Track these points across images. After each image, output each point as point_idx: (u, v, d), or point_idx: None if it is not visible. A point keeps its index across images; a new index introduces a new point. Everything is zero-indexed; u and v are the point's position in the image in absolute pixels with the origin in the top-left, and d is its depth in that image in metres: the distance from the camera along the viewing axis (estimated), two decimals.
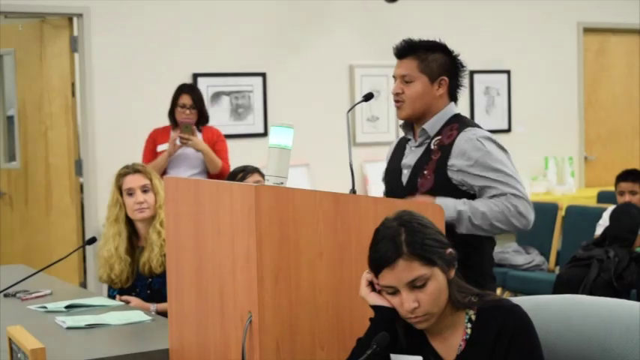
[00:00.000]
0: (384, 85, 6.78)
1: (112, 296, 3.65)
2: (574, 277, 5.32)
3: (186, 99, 5.43)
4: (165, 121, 5.48)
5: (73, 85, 6.23)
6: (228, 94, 6.56)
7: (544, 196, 7.30)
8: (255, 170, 3.60)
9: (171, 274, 2.59)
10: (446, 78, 2.91)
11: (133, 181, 3.64)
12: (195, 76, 6.40)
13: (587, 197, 7.33)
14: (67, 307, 3.31)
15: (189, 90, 5.49)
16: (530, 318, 1.97)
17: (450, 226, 2.64)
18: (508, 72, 7.61)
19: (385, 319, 1.97)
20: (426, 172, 2.86)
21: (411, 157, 2.95)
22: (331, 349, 2.13)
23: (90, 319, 3.05)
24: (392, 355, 1.98)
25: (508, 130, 7.61)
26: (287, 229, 2.08)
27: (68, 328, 2.97)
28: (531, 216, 2.81)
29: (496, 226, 2.75)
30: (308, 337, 2.10)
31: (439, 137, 2.89)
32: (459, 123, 2.90)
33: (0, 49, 6.73)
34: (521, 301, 2.15)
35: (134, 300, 3.53)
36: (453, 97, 2.96)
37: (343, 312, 2.15)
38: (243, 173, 3.59)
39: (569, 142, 7.96)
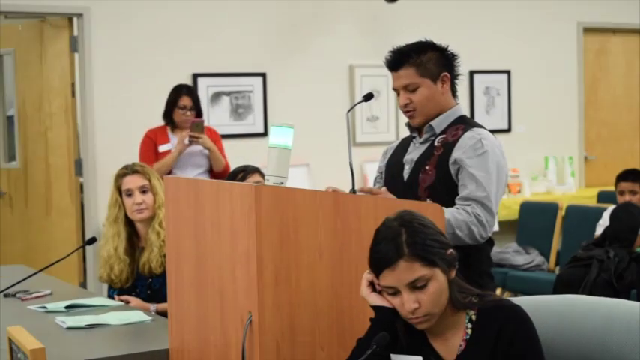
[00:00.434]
0: (384, 85, 6.78)
1: (111, 296, 3.65)
2: (574, 277, 5.32)
3: (186, 100, 5.43)
4: None
5: (73, 85, 6.23)
6: (228, 94, 6.56)
7: (544, 196, 7.30)
8: (255, 170, 3.60)
9: (171, 274, 2.59)
10: (446, 73, 2.92)
11: (132, 181, 3.64)
12: (195, 76, 6.40)
13: (587, 197, 7.33)
14: (67, 307, 3.31)
15: (188, 91, 5.50)
16: (530, 318, 1.97)
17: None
18: (508, 72, 7.61)
19: (386, 319, 1.97)
20: (427, 167, 2.86)
21: (414, 153, 2.96)
22: (331, 349, 2.13)
23: (90, 319, 3.05)
24: (392, 355, 1.98)
25: (508, 130, 7.60)
26: (287, 229, 2.08)
27: (68, 328, 2.97)
28: (491, 230, 2.77)
29: (457, 235, 2.68)
30: (308, 337, 2.10)
31: (444, 136, 2.90)
32: (465, 124, 2.91)
33: (0, 49, 6.73)
34: (521, 301, 2.15)
35: (134, 300, 3.54)
36: (453, 89, 2.97)
37: (343, 312, 2.15)
38: (243, 173, 3.59)
39: (569, 142, 7.95)
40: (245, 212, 2.08)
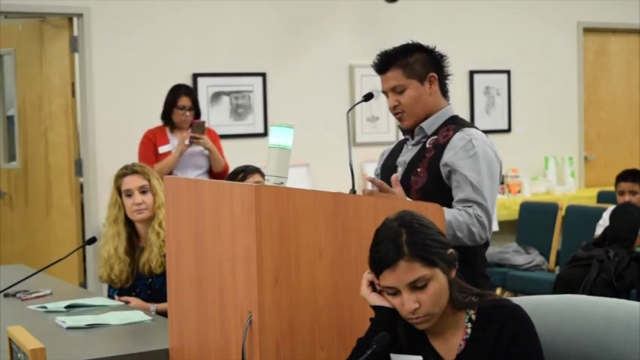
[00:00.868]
0: None
1: (111, 296, 3.65)
2: (574, 277, 5.32)
3: (186, 100, 5.43)
4: None
5: (73, 85, 6.23)
6: (228, 94, 6.56)
7: (544, 196, 7.30)
8: (255, 170, 3.60)
9: (171, 274, 2.59)
10: (433, 74, 2.92)
11: (131, 182, 3.64)
12: (195, 76, 6.40)
13: (587, 197, 7.33)
14: (67, 307, 3.31)
15: (187, 91, 5.50)
16: (530, 318, 1.97)
17: None
18: (508, 72, 7.61)
19: (386, 319, 1.97)
20: (419, 169, 2.87)
21: (407, 155, 2.96)
22: (331, 349, 2.13)
23: (90, 319, 3.05)
24: (392, 355, 1.98)
25: (508, 130, 7.60)
26: (287, 229, 2.08)
27: (68, 328, 2.97)
28: (490, 232, 2.77)
29: (457, 236, 2.68)
30: (308, 337, 2.10)
31: (435, 137, 2.90)
32: (455, 124, 2.91)
33: (0, 49, 6.73)
34: (521, 301, 2.15)
35: (134, 300, 3.54)
36: (443, 89, 2.97)
37: (343, 312, 2.15)
38: (243, 173, 3.59)
39: (569, 142, 7.95)
40: (245, 212, 2.08)
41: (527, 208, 6.73)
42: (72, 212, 6.22)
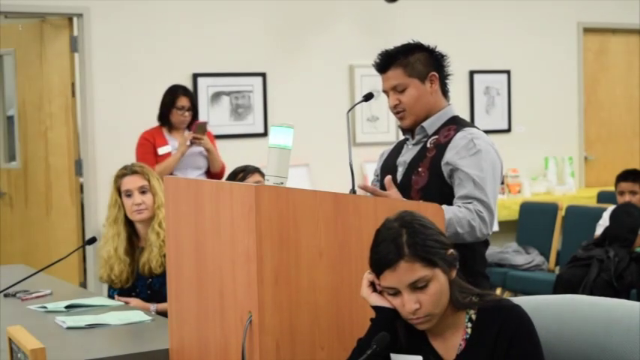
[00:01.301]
0: None
1: (111, 296, 3.65)
2: (574, 277, 5.32)
3: (184, 101, 5.44)
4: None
5: (73, 85, 6.23)
6: (228, 94, 6.56)
7: (544, 196, 7.30)
8: (255, 170, 3.60)
9: (171, 274, 2.59)
10: (434, 73, 2.92)
11: (131, 182, 3.64)
12: (195, 76, 6.40)
13: (587, 197, 7.33)
14: (67, 307, 3.31)
15: (185, 92, 5.50)
16: (530, 318, 1.97)
17: None
18: (508, 72, 7.61)
19: (386, 319, 1.97)
20: (420, 169, 2.87)
21: (407, 155, 2.96)
22: (331, 349, 2.13)
23: (90, 319, 3.05)
24: (392, 355, 1.98)
25: (508, 130, 7.60)
26: (287, 229, 2.08)
27: (68, 328, 2.97)
28: (492, 227, 2.77)
29: (459, 232, 2.68)
30: (308, 337, 2.10)
31: (436, 137, 2.90)
32: (456, 124, 2.91)
33: (0, 49, 6.73)
34: (521, 301, 2.15)
35: (134, 300, 3.54)
36: (443, 89, 2.97)
37: (343, 312, 2.15)
38: (243, 173, 3.59)
39: (569, 142, 7.95)
40: (245, 212, 2.08)
41: (527, 208, 6.73)
42: (72, 212, 6.22)
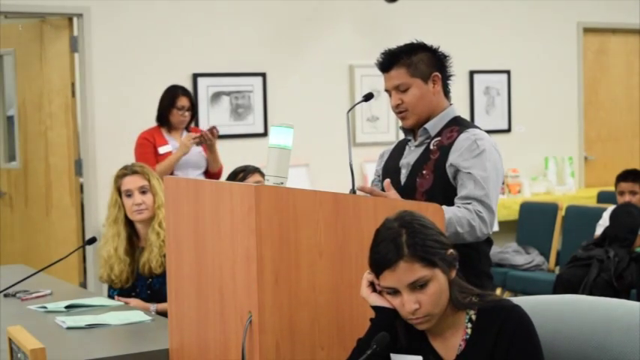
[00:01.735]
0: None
1: (111, 296, 3.65)
2: (574, 277, 5.32)
3: (184, 101, 5.43)
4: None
5: (73, 85, 6.23)
6: (228, 94, 6.56)
7: (544, 196, 7.30)
8: (255, 170, 3.60)
9: (171, 274, 2.59)
10: (437, 73, 2.92)
11: (131, 182, 3.64)
12: (195, 76, 6.40)
13: (587, 197, 7.33)
14: (67, 307, 3.31)
15: (184, 92, 5.49)
16: (530, 318, 1.97)
17: None
18: (508, 72, 7.61)
19: (386, 319, 1.97)
20: (425, 171, 2.86)
21: (410, 157, 2.96)
22: (331, 349, 2.13)
23: (90, 319, 3.05)
24: (392, 355, 1.98)
25: (508, 130, 7.60)
26: (287, 229, 2.08)
27: (68, 328, 2.97)
28: (492, 227, 2.77)
29: (459, 232, 2.69)
30: (308, 337, 2.10)
31: (439, 138, 2.90)
32: (459, 125, 2.91)
33: (0, 49, 6.73)
34: (521, 301, 2.15)
35: (133, 301, 3.54)
36: (445, 90, 2.97)
37: (343, 312, 2.15)
38: (243, 173, 3.59)
39: (569, 142, 7.95)
40: (245, 212, 2.08)
41: (527, 208, 6.73)
42: (72, 212, 6.22)
